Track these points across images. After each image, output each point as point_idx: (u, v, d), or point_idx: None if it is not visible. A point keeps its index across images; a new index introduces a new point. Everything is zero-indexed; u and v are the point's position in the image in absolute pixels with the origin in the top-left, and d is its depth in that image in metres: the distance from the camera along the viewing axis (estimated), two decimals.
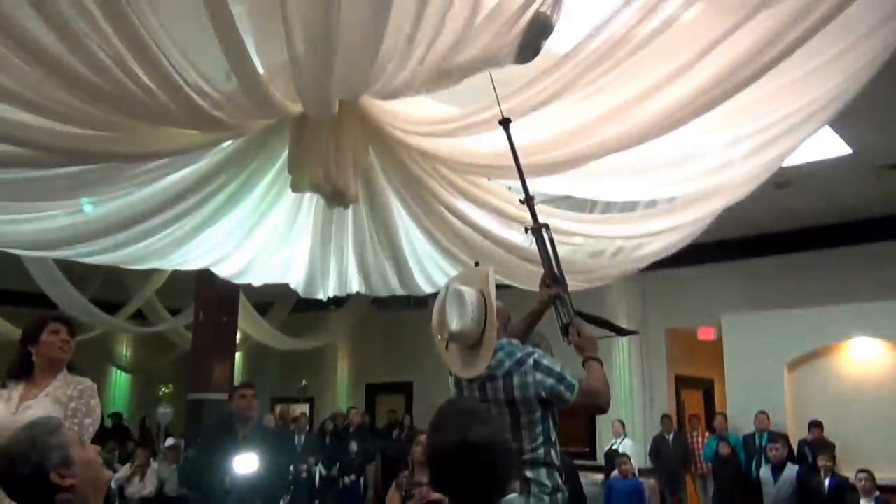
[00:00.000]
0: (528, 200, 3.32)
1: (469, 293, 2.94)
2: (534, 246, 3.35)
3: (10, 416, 3.15)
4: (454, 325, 2.89)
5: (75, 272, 9.93)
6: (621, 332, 3.69)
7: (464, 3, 2.98)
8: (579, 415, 11.47)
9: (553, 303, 3.23)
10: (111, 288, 11.59)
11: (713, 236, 6.88)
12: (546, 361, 2.96)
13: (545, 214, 4.77)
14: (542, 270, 3.32)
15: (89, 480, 1.96)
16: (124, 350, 16.09)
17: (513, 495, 1.61)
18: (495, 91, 3.34)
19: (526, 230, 3.36)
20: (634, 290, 11.29)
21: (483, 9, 3.04)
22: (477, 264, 3.61)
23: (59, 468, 1.89)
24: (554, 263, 3.24)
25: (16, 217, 4.73)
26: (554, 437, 3.00)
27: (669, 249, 5.63)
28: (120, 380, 16.36)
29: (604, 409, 3.12)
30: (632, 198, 5.06)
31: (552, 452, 2.96)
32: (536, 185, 4.53)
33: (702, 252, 7.87)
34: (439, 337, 3.05)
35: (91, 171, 4.05)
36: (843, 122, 5.76)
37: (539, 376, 2.90)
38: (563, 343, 3.25)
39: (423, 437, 4.39)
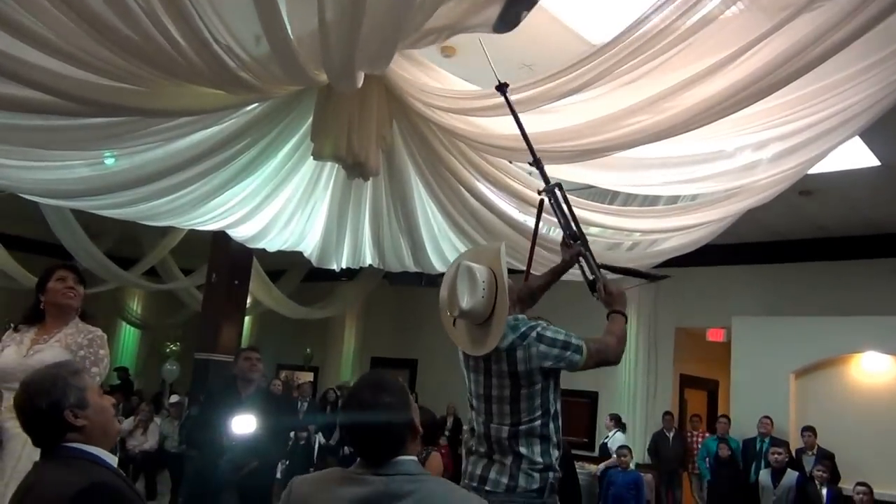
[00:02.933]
0: (537, 163, 3.30)
1: (480, 271, 2.91)
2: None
3: (20, 358, 3.22)
4: (465, 302, 2.86)
5: (92, 226, 9.99)
6: (650, 277, 3.58)
7: None
8: (581, 406, 11.51)
9: (576, 261, 3.21)
10: (126, 244, 11.66)
11: (731, 238, 6.84)
12: (549, 333, 2.92)
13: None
14: (557, 258, 3.29)
15: (100, 425, 2.05)
16: (135, 306, 16.22)
17: (409, 457, 1.86)
18: (487, 57, 3.34)
19: (539, 192, 3.32)
20: (647, 285, 11.24)
21: None
22: None
23: (73, 408, 1.99)
24: (572, 222, 3.20)
25: (38, 164, 4.75)
26: (554, 409, 2.96)
27: (686, 248, 5.59)
28: (129, 334, 16.51)
29: (614, 362, 3.06)
30: (655, 192, 5.01)
31: (551, 425, 2.93)
32: (560, 173, 4.51)
33: (718, 253, 7.81)
34: (447, 314, 3.03)
35: (115, 123, 4.05)
36: (873, 134, 5.67)
37: (543, 348, 2.87)
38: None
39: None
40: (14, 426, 2.78)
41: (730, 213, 4.97)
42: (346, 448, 11.04)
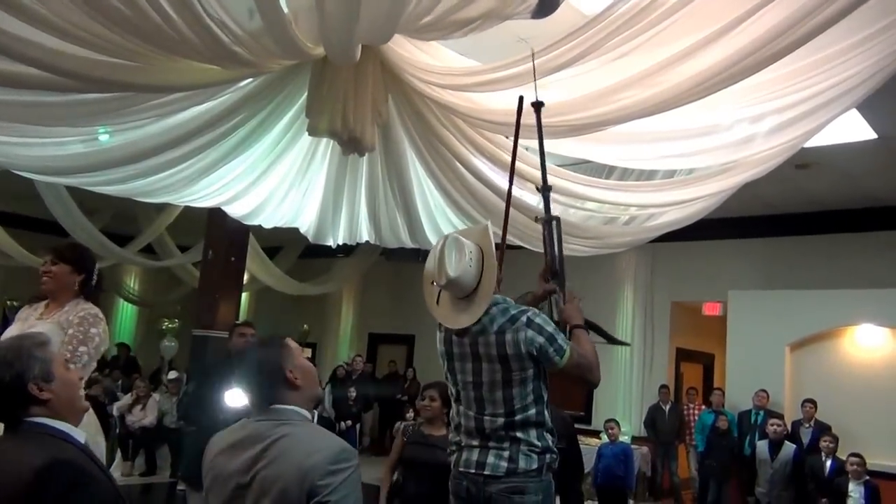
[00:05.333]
0: (545, 190, 3.26)
1: (468, 244, 2.91)
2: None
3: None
4: (452, 270, 2.83)
5: (87, 202, 9.96)
6: (612, 340, 3.58)
7: None
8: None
9: (548, 298, 3.19)
10: (123, 220, 11.64)
11: (727, 212, 6.83)
12: (539, 320, 2.88)
13: (560, 177, 4.75)
14: None
15: (67, 400, 1.97)
16: (132, 283, 16.23)
17: (291, 406, 2.07)
18: (534, 75, 3.28)
19: (536, 219, 3.30)
20: (643, 260, 11.27)
21: None
22: None
23: (38, 380, 1.91)
24: (557, 258, 3.18)
25: (32, 141, 4.72)
26: (546, 396, 2.96)
27: (683, 222, 5.60)
28: (126, 311, 16.54)
29: (593, 385, 3.05)
30: (651, 167, 5.00)
31: (544, 412, 2.93)
32: (556, 148, 4.50)
33: (715, 227, 7.82)
34: (432, 284, 2.98)
35: (109, 99, 4.03)
36: (870, 107, 5.65)
37: (530, 333, 2.83)
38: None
39: (428, 391, 4.40)
40: None
41: (726, 186, 4.97)
42: (342, 423, 11.13)
